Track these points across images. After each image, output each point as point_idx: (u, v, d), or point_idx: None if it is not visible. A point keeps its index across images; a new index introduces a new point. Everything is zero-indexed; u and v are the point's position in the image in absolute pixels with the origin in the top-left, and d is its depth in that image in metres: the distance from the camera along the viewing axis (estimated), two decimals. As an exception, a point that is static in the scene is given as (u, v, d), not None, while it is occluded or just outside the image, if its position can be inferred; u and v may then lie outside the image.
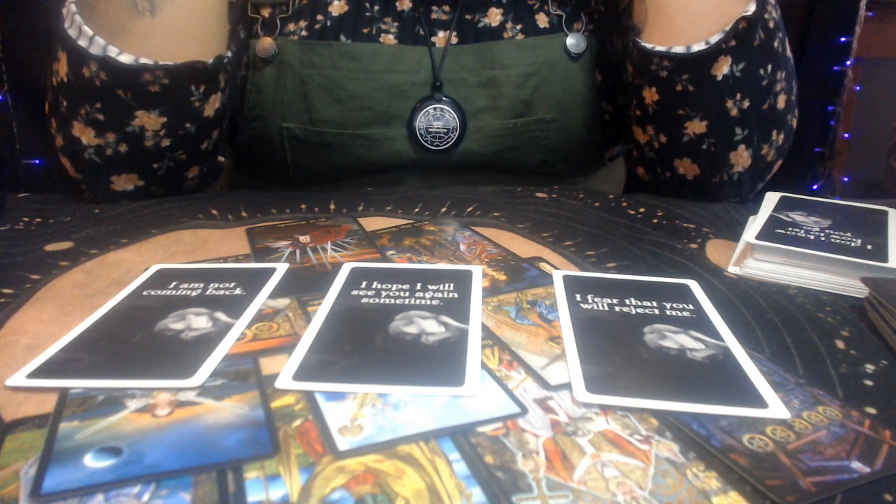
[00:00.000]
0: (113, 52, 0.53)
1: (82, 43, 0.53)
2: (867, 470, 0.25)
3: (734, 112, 0.56)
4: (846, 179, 1.61)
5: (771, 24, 0.56)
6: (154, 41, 0.54)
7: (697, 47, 0.55)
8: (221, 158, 0.65)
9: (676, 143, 0.59)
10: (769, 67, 0.56)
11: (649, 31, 0.58)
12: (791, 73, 0.59)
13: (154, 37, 0.54)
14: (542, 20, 0.67)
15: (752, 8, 0.54)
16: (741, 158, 0.58)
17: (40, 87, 0.58)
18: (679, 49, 0.55)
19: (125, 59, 0.53)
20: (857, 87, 1.53)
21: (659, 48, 0.56)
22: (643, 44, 0.57)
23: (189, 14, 0.55)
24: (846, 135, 1.56)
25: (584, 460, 0.25)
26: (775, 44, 0.56)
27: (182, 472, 0.24)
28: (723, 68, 0.54)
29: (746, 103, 0.56)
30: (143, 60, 0.53)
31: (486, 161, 0.68)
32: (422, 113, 0.64)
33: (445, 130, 0.65)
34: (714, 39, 0.54)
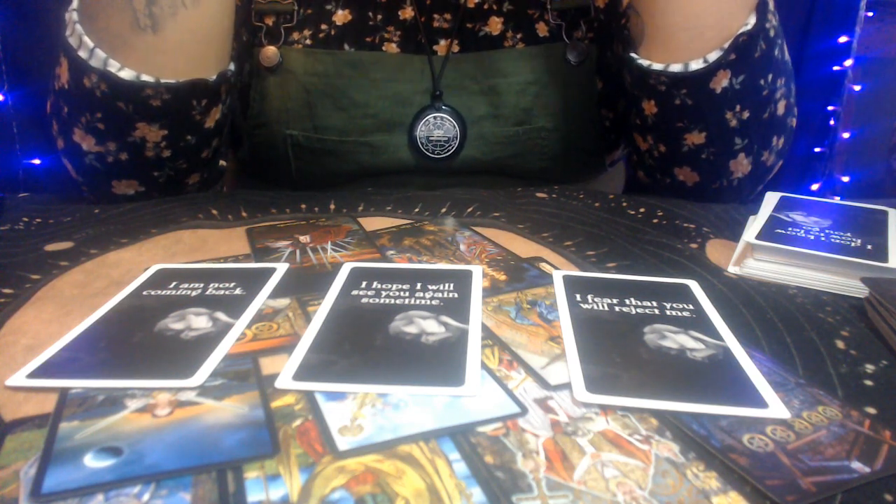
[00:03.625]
0: (114, 66, 0.52)
1: (82, 54, 0.52)
2: (867, 470, 0.25)
3: (734, 123, 0.55)
4: (846, 179, 1.61)
5: (772, 33, 0.55)
6: (156, 57, 0.53)
7: (696, 65, 0.54)
8: (223, 163, 0.65)
9: (676, 153, 0.59)
10: (769, 77, 0.55)
11: (648, 45, 0.56)
12: (790, 76, 0.58)
13: (156, 53, 0.53)
14: (542, 29, 0.67)
15: (752, 21, 0.53)
16: (741, 166, 0.58)
17: (40, 88, 0.58)
18: (677, 67, 0.54)
19: (126, 74, 0.52)
20: (857, 87, 1.53)
21: (656, 66, 0.55)
22: (640, 61, 0.56)
23: (192, 31, 0.54)
24: (846, 135, 1.56)
25: (584, 460, 0.25)
26: (775, 52, 0.56)
27: (182, 472, 0.24)
28: (722, 82, 0.54)
29: (746, 114, 0.55)
30: (144, 77, 0.52)
31: (487, 168, 0.68)
32: (422, 122, 0.65)
33: (446, 139, 0.65)
34: (712, 57, 0.53)
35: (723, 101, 0.54)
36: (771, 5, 0.54)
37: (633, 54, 0.57)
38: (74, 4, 0.54)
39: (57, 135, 0.58)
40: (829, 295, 0.41)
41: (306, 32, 0.65)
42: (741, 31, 0.53)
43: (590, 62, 0.67)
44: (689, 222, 0.53)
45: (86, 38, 0.52)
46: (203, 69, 0.55)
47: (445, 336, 0.34)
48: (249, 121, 0.67)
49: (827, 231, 0.47)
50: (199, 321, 0.36)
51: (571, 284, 0.41)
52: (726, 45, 0.53)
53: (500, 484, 0.24)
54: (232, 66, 0.59)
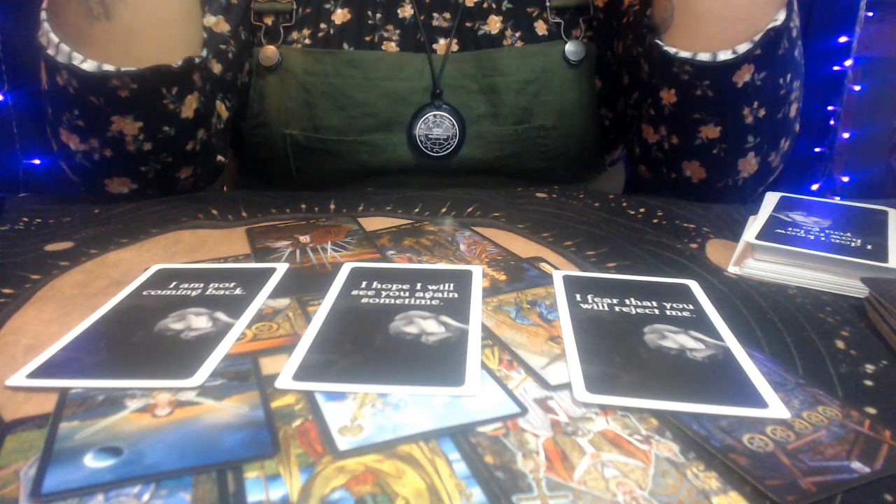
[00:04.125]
0: (77, 59, 0.52)
1: (51, 52, 0.53)
2: (867, 470, 0.25)
3: (749, 120, 0.55)
4: (846, 179, 1.61)
5: (794, 33, 0.55)
6: (115, 45, 0.52)
7: (724, 56, 0.53)
8: (221, 159, 0.65)
9: (688, 146, 0.58)
10: (788, 77, 0.55)
11: (674, 32, 0.56)
12: (802, 80, 0.58)
13: (113, 41, 0.52)
14: (541, 27, 0.67)
15: (781, 17, 0.53)
16: (749, 165, 0.58)
17: (40, 88, 0.59)
18: (705, 57, 0.54)
19: (88, 66, 0.52)
20: (857, 87, 1.53)
21: (683, 54, 0.54)
22: (666, 48, 0.55)
23: (146, 16, 0.53)
24: (846, 135, 1.56)
25: (584, 460, 0.25)
26: (795, 53, 0.56)
27: (182, 472, 0.24)
28: (744, 76, 0.53)
29: (762, 112, 0.55)
30: (106, 67, 0.52)
31: (486, 167, 0.68)
32: (421, 120, 0.65)
33: (445, 137, 0.65)
34: (741, 49, 0.53)
35: (742, 97, 0.54)
36: (795, 5, 0.54)
37: (658, 41, 0.56)
38: (44, 4, 0.54)
39: (51, 137, 0.58)
40: (829, 295, 0.41)
41: (305, 32, 0.65)
42: (771, 25, 0.52)
43: (588, 61, 0.67)
44: (689, 222, 0.53)
45: (52, 36, 0.53)
46: (166, 55, 0.54)
47: (445, 336, 0.34)
48: (249, 120, 0.67)
49: (827, 231, 0.47)
50: (199, 321, 0.36)
51: (571, 284, 0.41)
52: (756, 38, 0.52)
53: (500, 484, 0.24)
54: (203, 53, 0.58)
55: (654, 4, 0.58)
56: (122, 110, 0.54)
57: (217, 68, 0.63)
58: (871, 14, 1.45)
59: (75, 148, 0.56)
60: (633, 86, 0.63)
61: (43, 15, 0.54)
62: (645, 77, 0.60)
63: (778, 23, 0.52)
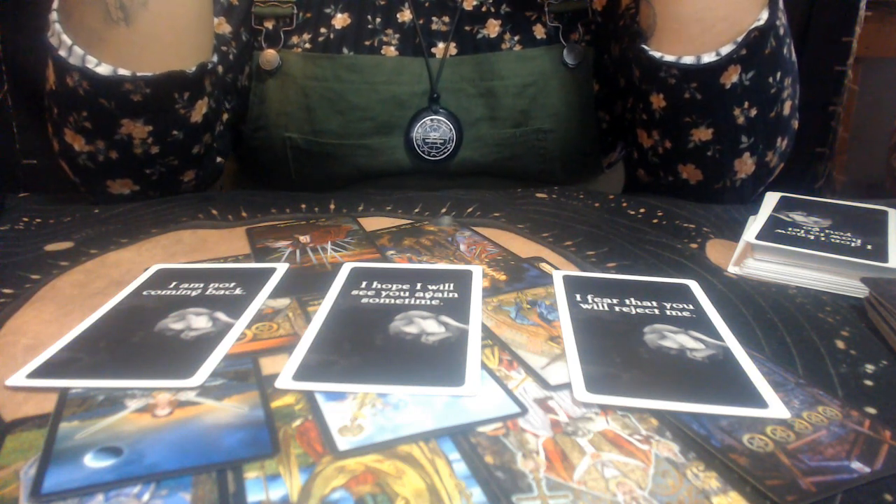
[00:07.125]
0: (91, 62, 0.52)
1: (63, 53, 0.52)
2: (867, 470, 0.25)
3: (741, 120, 0.55)
4: (846, 179, 1.61)
5: (781, 32, 0.55)
6: (131, 50, 0.53)
7: (708, 58, 0.53)
8: (221, 160, 0.65)
9: (681, 149, 0.58)
10: (778, 75, 0.55)
11: (658, 37, 0.56)
12: (796, 77, 0.58)
13: (131, 46, 0.52)
14: (539, 31, 0.67)
15: (764, 16, 0.53)
16: (745, 166, 0.58)
17: (40, 88, 0.58)
18: (689, 59, 0.54)
19: (103, 70, 0.52)
20: (857, 87, 1.53)
21: (668, 58, 0.55)
22: (652, 52, 0.55)
23: (165, 22, 0.53)
24: (846, 135, 1.56)
25: (584, 460, 0.25)
26: (784, 51, 0.56)
27: (182, 472, 0.24)
28: (732, 77, 0.53)
29: (754, 112, 0.55)
30: (121, 72, 0.52)
31: (485, 169, 0.68)
32: (418, 124, 0.65)
33: (442, 141, 0.65)
34: (725, 51, 0.53)
35: (732, 97, 0.54)
36: (781, 3, 0.54)
37: (644, 46, 0.56)
38: (55, 4, 0.54)
39: (52, 137, 0.58)
40: (829, 295, 0.41)
41: (305, 36, 0.65)
42: (754, 25, 0.52)
43: (587, 64, 0.67)
44: (689, 222, 0.53)
45: (64, 37, 0.52)
46: (180, 61, 0.54)
47: (445, 336, 0.34)
48: (249, 123, 0.68)
49: (827, 231, 0.47)
50: (199, 321, 0.36)
51: (571, 284, 0.41)
52: (739, 39, 0.53)
53: (500, 484, 0.24)
54: (214, 58, 0.58)
55: (639, 10, 0.58)
56: (133, 114, 0.54)
57: (218, 70, 0.63)
58: (871, 14, 1.45)
59: (79, 149, 0.56)
60: (628, 90, 0.63)
61: (54, 16, 0.53)
62: (636, 82, 0.60)
63: (761, 22, 0.52)
